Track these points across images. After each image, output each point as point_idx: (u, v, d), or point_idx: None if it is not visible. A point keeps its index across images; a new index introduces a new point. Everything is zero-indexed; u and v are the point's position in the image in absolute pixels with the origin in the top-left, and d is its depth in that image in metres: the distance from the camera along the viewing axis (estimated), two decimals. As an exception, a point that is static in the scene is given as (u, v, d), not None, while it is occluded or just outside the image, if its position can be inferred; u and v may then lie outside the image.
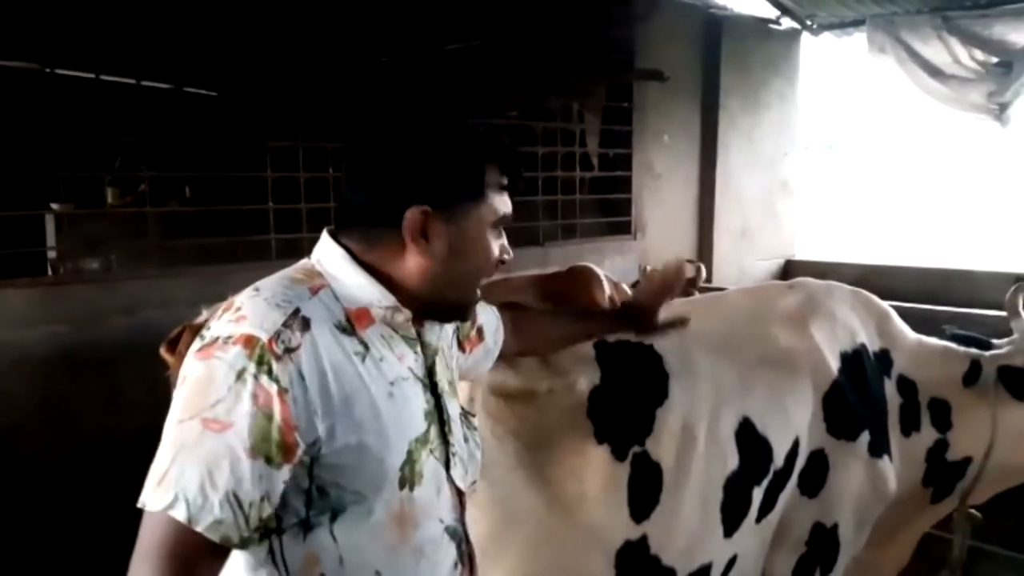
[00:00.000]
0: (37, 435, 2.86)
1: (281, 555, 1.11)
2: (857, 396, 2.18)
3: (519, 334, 1.68)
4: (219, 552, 1.04)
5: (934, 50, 5.64)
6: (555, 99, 5.09)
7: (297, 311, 1.09)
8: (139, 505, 1.02)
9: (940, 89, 5.75)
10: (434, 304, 1.24)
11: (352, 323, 1.15)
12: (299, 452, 1.06)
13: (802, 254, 6.56)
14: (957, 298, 4.64)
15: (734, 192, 5.83)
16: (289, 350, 1.06)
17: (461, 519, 1.31)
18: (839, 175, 19.82)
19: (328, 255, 1.21)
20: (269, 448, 1.03)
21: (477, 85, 4.91)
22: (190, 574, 1.00)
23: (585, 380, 1.83)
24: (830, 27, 6.34)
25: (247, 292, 1.14)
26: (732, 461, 1.94)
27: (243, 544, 1.04)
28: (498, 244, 1.26)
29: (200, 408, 1.02)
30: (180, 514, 1.00)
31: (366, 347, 1.15)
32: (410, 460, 1.17)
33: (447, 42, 5.26)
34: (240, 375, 1.03)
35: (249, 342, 1.05)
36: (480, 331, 1.56)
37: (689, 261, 4.48)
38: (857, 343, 2.26)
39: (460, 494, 1.30)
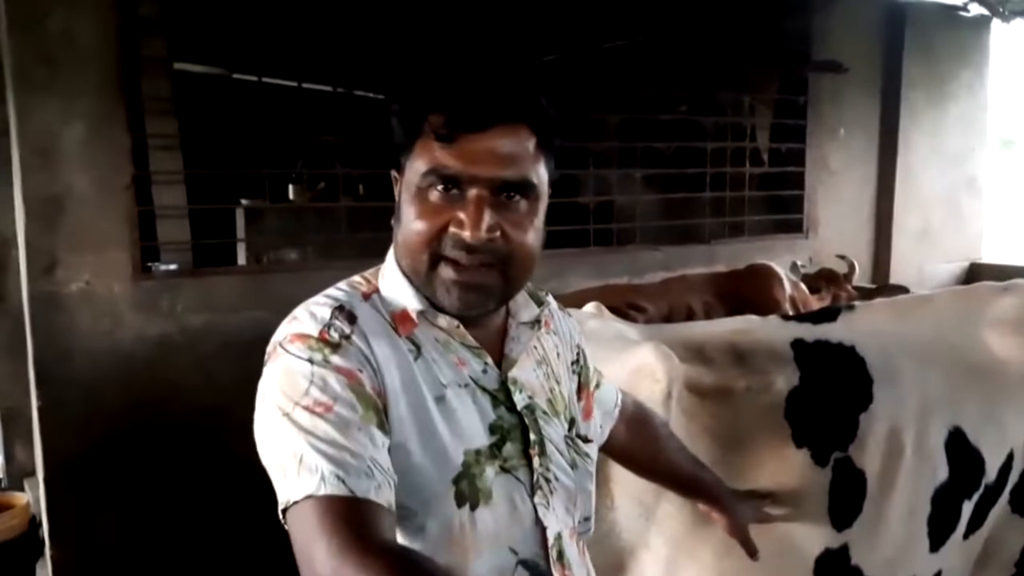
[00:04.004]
0: (242, 413, 3.06)
1: None
2: (1081, 411, 2.02)
3: (633, 434, 1.49)
4: (385, 519, 0.92)
5: None
6: (726, 92, 4.97)
7: (342, 307, 1.05)
8: (282, 507, 0.93)
9: None
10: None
11: (396, 327, 1.07)
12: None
13: (989, 257, 6.09)
14: None
15: (915, 190, 5.49)
16: (345, 336, 1.01)
17: (545, 555, 1.11)
18: (1017, 174, 18.19)
19: (388, 256, 1.15)
20: (378, 414, 0.98)
21: (645, 80, 4.88)
22: (369, 537, 0.88)
23: (783, 380, 1.78)
24: (1022, 13, 5.86)
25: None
26: (941, 472, 1.84)
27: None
28: (437, 207, 1.04)
29: (295, 399, 0.96)
30: (339, 488, 0.90)
31: (418, 348, 1.07)
32: (468, 474, 1.03)
33: (614, 37, 5.26)
34: (313, 362, 0.98)
35: (305, 339, 1.00)
36: (595, 399, 1.38)
37: (840, 257, 4.27)
38: (1081, 353, 2.08)
39: (543, 525, 1.10)
